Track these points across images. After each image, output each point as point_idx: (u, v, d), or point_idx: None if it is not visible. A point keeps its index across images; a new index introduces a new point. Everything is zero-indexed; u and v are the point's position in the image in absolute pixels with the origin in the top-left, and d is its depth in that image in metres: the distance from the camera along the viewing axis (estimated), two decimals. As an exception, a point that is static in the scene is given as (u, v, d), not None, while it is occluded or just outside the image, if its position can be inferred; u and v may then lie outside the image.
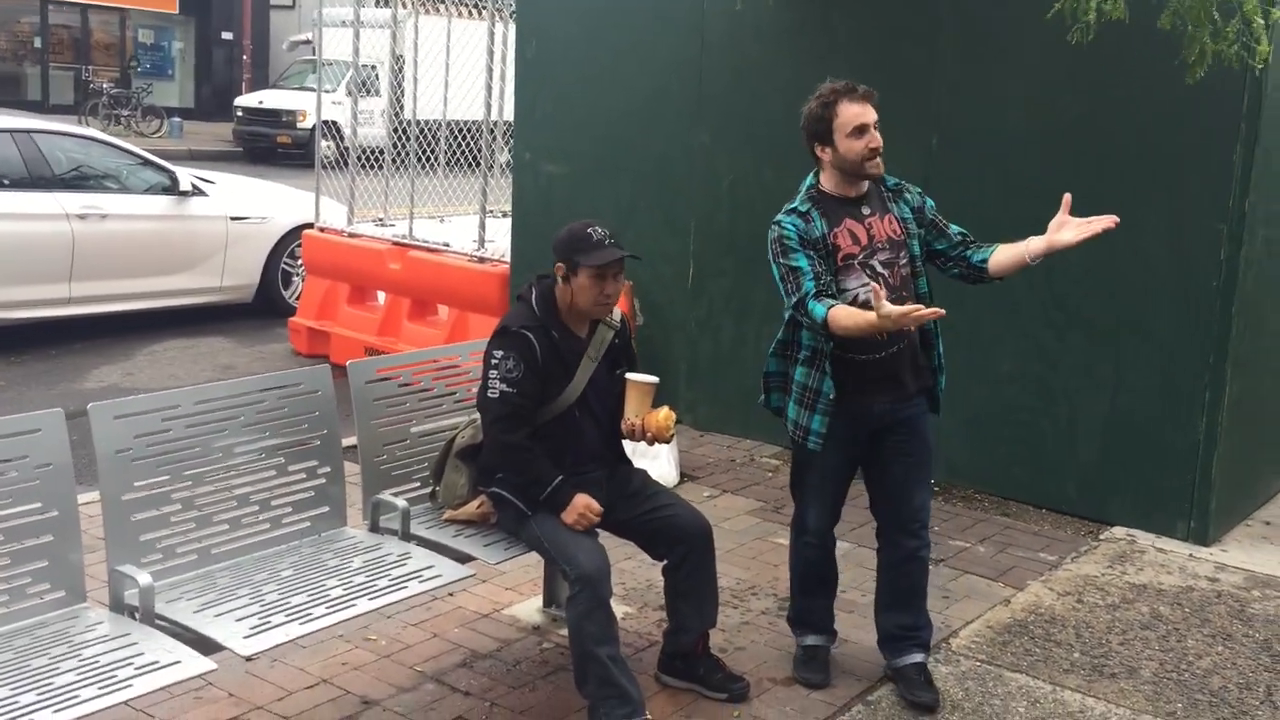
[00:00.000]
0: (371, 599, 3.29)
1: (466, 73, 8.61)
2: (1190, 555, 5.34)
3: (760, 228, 6.54)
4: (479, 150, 8.20)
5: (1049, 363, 5.72)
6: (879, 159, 3.75)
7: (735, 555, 5.11)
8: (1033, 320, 5.70)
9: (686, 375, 6.91)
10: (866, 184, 3.84)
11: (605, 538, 3.97)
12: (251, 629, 3.05)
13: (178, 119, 25.97)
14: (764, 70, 6.46)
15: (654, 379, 3.74)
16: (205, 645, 3.02)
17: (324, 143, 9.43)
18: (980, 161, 5.78)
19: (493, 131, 8.17)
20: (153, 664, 2.82)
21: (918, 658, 4.01)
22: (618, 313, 3.86)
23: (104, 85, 26.50)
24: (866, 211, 3.81)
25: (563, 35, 7.18)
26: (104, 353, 8.57)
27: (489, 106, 7.91)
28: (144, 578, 3.08)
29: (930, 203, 3.96)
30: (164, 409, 3.31)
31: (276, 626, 3.06)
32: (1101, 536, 5.52)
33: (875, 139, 3.73)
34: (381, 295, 8.68)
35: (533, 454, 3.59)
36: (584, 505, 3.61)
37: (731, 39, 6.54)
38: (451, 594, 4.53)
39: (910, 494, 3.96)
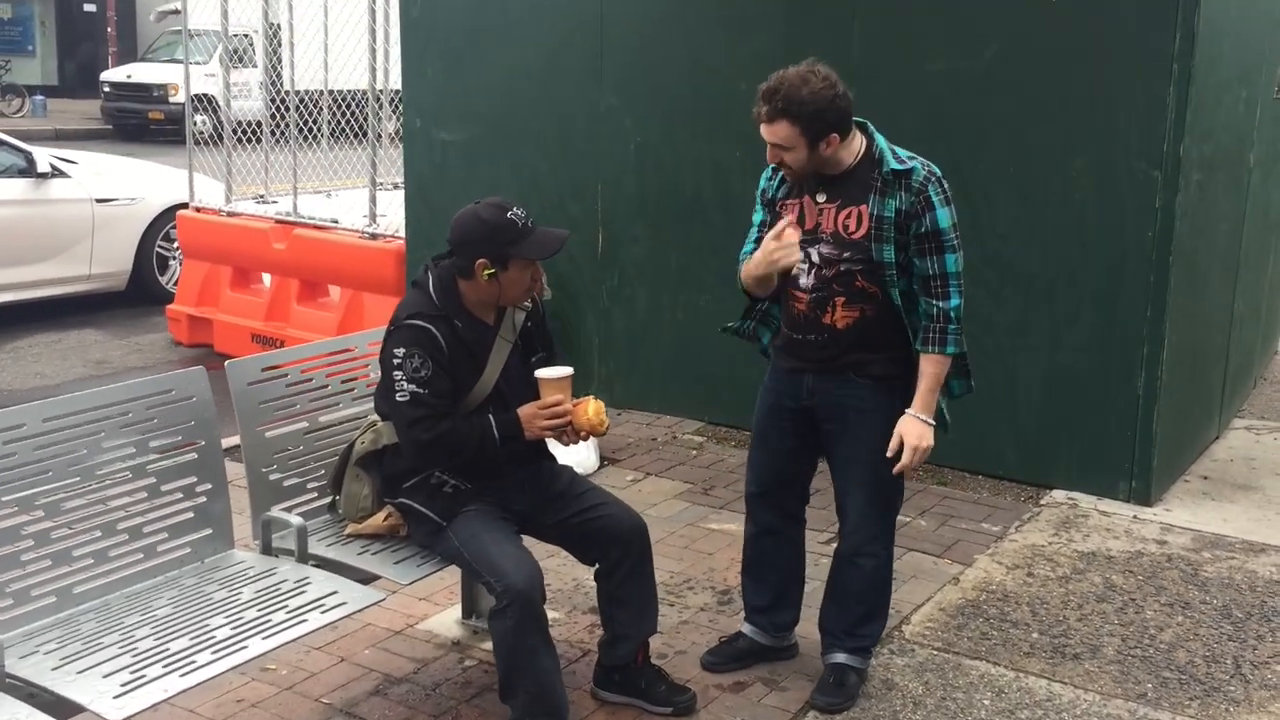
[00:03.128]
0: (265, 637, 2.84)
1: (347, 39, 8.04)
2: (1134, 517, 5.13)
3: (671, 190, 6.21)
4: (364, 120, 7.66)
5: (982, 322, 5.42)
6: (789, 171, 3.42)
7: (666, 545, 4.75)
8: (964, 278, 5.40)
9: (600, 350, 6.52)
10: (840, 167, 3.39)
11: (530, 542, 3.60)
12: (122, 686, 2.58)
13: (41, 97, 24.63)
14: (670, 24, 6.06)
15: (567, 371, 3.33)
16: (66, 708, 2.56)
17: (199, 117, 8.79)
18: (900, 110, 5.41)
19: (379, 99, 7.64)
20: (-1, 740, 2.36)
21: (837, 658, 3.68)
22: None
23: (-41, 64, 25.01)
24: (822, 199, 3.43)
25: (449, -9, 6.68)
26: (-38, 352, 7.89)
27: (373, 72, 7.37)
28: (-11, 634, 2.60)
29: (939, 221, 3.31)
30: (6, 429, 2.81)
31: (152, 681, 2.60)
32: (1042, 501, 5.29)
33: (770, 155, 3.39)
34: (267, 277, 8.11)
35: (456, 428, 3.19)
36: (535, 411, 3.27)
37: (632, -10, 6.13)
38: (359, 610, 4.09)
39: (844, 495, 3.62)
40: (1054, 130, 5.16)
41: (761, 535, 3.82)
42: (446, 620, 4.07)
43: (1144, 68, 4.94)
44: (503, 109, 6.58)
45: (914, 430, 3.39)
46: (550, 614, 4.08)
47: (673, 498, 5.27)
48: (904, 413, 3.43)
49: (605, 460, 5.69)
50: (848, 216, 3.39)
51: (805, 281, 3.48)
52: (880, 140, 3.42)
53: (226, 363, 3.39)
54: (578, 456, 5.51)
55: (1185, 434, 5.68)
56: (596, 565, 3.47)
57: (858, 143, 3.41)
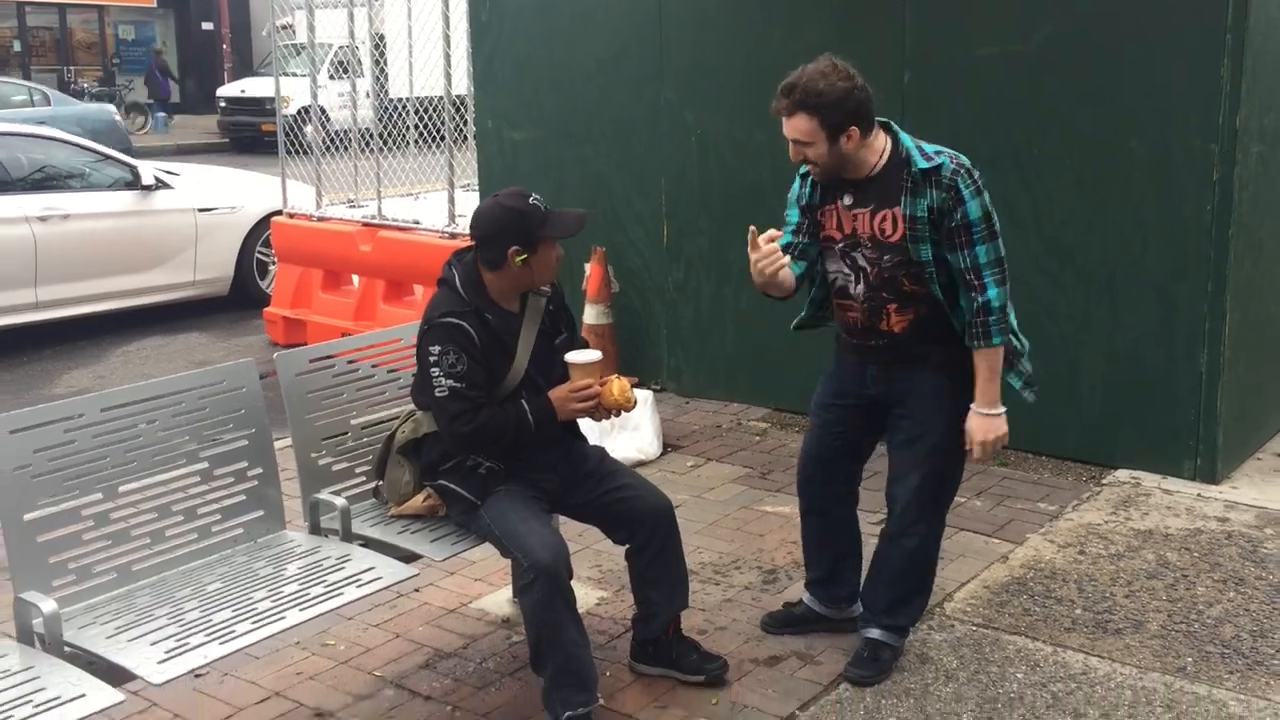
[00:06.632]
0: (302, 609, 3.04)
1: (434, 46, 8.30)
2: (1198, 495, 5.07)
3: (732, 183, 6.31)
4: (461, 123, 7.91)
5: (1043, 307, 5.42)
6: (814, 168, 3.46)
7: (719, 527, 4.87)
8: (1022, 263, 5.34)
9: (668, 340, 6.65)
10: (866, 168, 3.43)
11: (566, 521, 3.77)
12: (167, 653, 2.80)
13: (162, 114, 25.70)
14: (727, 19, 6.15)
15: (596, 355, 3.46)
16: (118, 674, 2.79)
17: (308, 128, 9.14)
18: (953, 91, 5.49)
19: (457, 105, 7.88)
20: (54, 700, 2.59)
21: (872, 633, 3.75)
22: None
23: (85, 85, 26.23)
24: (848, 202, 3.48)
25: (516, -5, 6.88)
26: (76, 356, 8.36)
27: (448, 77, 7.61)
28: (48, 605, 2.84)
29: (969, 213, 3.31)
30: (66, 419, 3.07)
31: (193, 649, 2.82)
32: (1104, 481, 5.25)
33: (792, 152, 3.43)
34: (356, 279, 8.42)
35: (494, 417, 3.34)
36: (566, 394, 3.40)
37: (688, -15, 6.25)
38: (417, 589, 4.31)
39: (897, 477, 3.66)
40: (1109, 110, 5.12)
41: (809, 514, 3.92)
42: (499, 599, 4.24)
43: (1196, 41, 4.88)
44: (568, 107, 6.76)
45: (979, 426, 3.46)
46: (598, 593, 4.27)
47: (730, 481, 5.37)
48: (969, 407, 3.49)
49: (669, 447, 5.81)
50: (883, 220, 3.42)
51: (856, 290, 3.52)
52: (905, 139, 3.43)
53: (275, 354, 3.62)
54: (641, 443, 5.66)
55: (1257, 411, 5.57)
56: (626, 545, 3.60)
57: (881, 142, 3.43)
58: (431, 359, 3.33)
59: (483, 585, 4.37)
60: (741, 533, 4.82)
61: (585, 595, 4.24)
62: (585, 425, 3.72)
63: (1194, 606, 4.12)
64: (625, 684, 3.68)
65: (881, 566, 3.78)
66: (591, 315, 6.49)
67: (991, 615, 4.08)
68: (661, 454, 5.71)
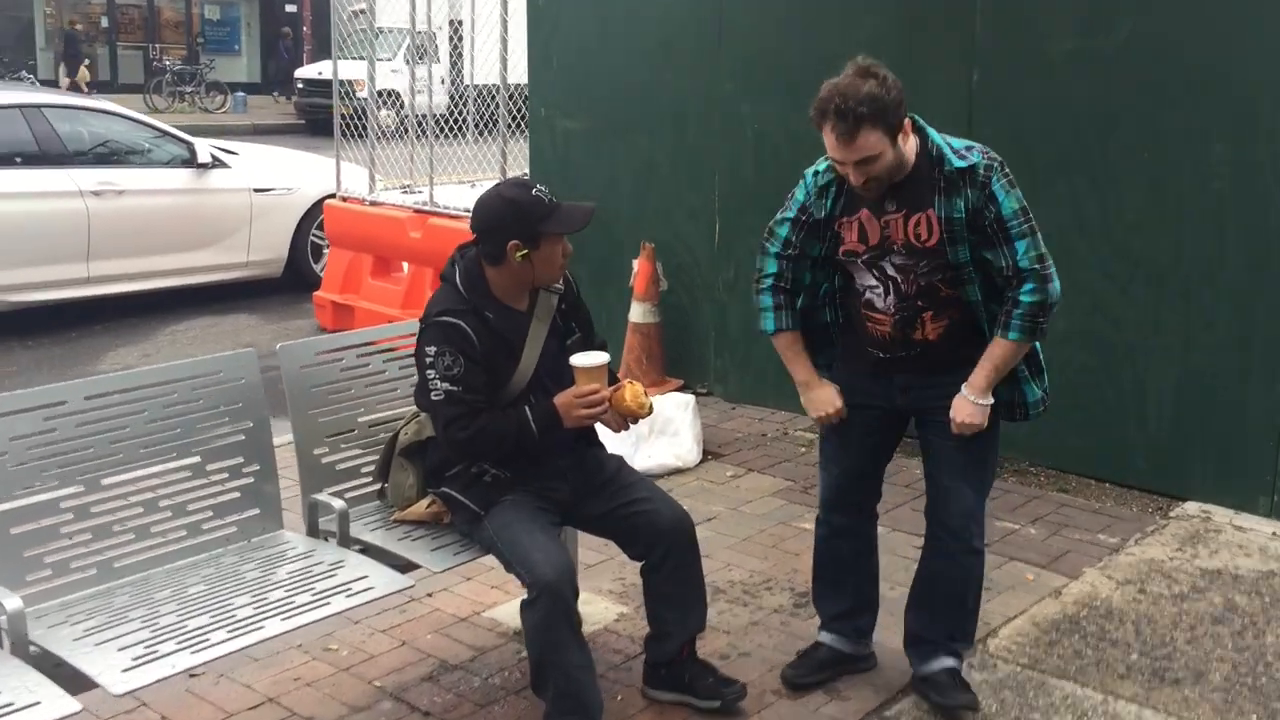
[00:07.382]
0: (285, 619, 2.85)
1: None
2: (1273, 534, 4.71)
3: (789, 179, 6.00)
4: (518, 112, 7.71)
5: (1110, 319, 5.10)
6: (878, 183, 3.12)
7: (753, 543, 4.62)
8: (1090, 271, 5.07)
9: (715, 342, 6.40)
10: (906, 168, 3.14)
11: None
12: (134, 660, 2.63)
13: (241, 94, 25.92)
14: (787, 8, 5.89)
15: (602, 358, 3.22)
16: (82, 679, 2.62)
17: (384, 112, 9.04)
18: (1024, 94, 5.17)
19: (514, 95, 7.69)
20: (6, 707, 2.42)
21: (949, 663, 3.47)
22: None
23: (168, 63, 26.58)
24: (890, 208, 3.18)
25: (575, -20, 6.66)
26: (125, 334, 8.31)
27: (504, 63, 7.41)
28: (13, 602, 2.67)
29: (1002, 209, 3.10)
30: (47, 406, 2.90)
31: (162, 657, 2.64)
32: (1172, 514, 4.91)
33: (855, 176, 3.09)
34: (406, 265, 8.28)
35: (492, 422, 3.12)
36: (571, 399, 3.16)
37: (751, -27, 5.98)
38: (430, 594, 4.12)
39: (947, 487, 3.39)
40: (1190, 115, 4.79)
41: (837, 537, 3.63)
42: (512, 609, 4.00)
43: (1292, 43, 4.53)
44: (623, 96, 6.53)
45: (964, 409, 3.24)
46: (618, 608, 4.05)
47: (770, 495, 5.11)
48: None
49: (709, 454, 5.57)
50: (917, 224, 3.16)
51: (885, 304, 3.25)
52: (934, 135, 3.17)
53: (279, 345, 3.44)
54: (680, 449, 5.42)
55: (1341, 445, 5.18)
56: (642, 560, 3.37)
57: (914, 139, 3.17)
58: (428, 360, 3.13)
59: (498, 593, 4.16)
60: (776, 550, 4.56)
61: (605, 610, 4.02)
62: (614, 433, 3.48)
63: (1262, 657, 3.78)
64: (636, 710, 3.45)
65: (948, 592, 3.48)
66: (638, 313, 6.26)
67: (1038, 655, 3.78)
68: (700, 462, 5.46)
